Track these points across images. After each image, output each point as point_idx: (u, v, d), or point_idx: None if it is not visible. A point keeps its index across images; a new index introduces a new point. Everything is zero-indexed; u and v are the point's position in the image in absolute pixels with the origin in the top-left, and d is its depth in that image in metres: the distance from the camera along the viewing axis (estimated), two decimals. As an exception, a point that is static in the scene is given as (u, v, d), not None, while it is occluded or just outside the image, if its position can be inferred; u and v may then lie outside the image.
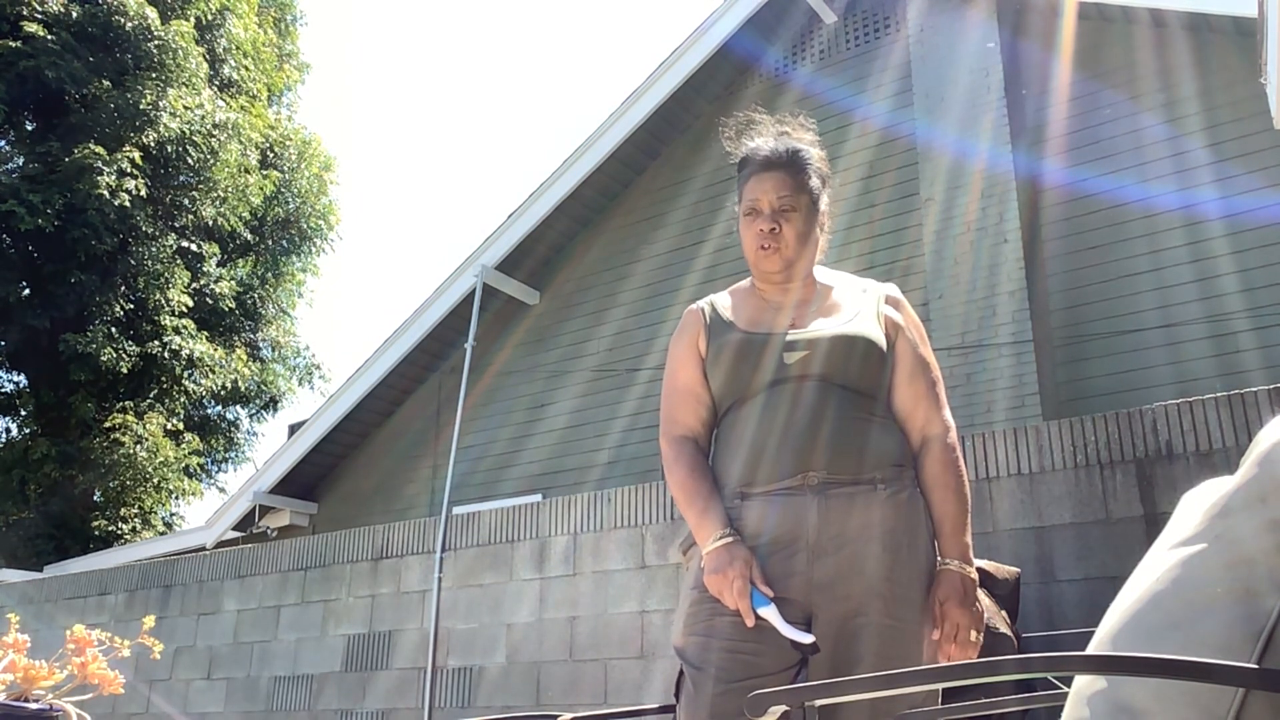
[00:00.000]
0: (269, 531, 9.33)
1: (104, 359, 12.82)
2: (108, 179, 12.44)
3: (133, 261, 13.65)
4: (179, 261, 14.29)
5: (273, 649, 5.70)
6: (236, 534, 9.51)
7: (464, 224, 53.60)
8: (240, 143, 14.45)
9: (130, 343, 13.62)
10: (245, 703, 5.71)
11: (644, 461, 7.33)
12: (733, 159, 2.02)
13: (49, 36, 12.84)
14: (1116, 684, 1.00)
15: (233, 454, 16.49)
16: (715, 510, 1.79)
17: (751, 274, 2.00)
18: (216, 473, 16.54)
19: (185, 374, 14.32)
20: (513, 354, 8.49)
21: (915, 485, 1.83)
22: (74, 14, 13.27)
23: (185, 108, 13.48)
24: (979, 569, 1.96)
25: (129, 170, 12.75)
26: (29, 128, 14.01)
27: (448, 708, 4.85)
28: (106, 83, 13.17)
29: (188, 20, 14.15)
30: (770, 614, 1.67)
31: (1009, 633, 2.97)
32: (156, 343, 13.71)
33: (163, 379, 14.35)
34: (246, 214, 14.93)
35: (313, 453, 9.03)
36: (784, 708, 1.17)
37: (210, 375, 14.43)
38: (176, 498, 15.10)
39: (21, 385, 14.71)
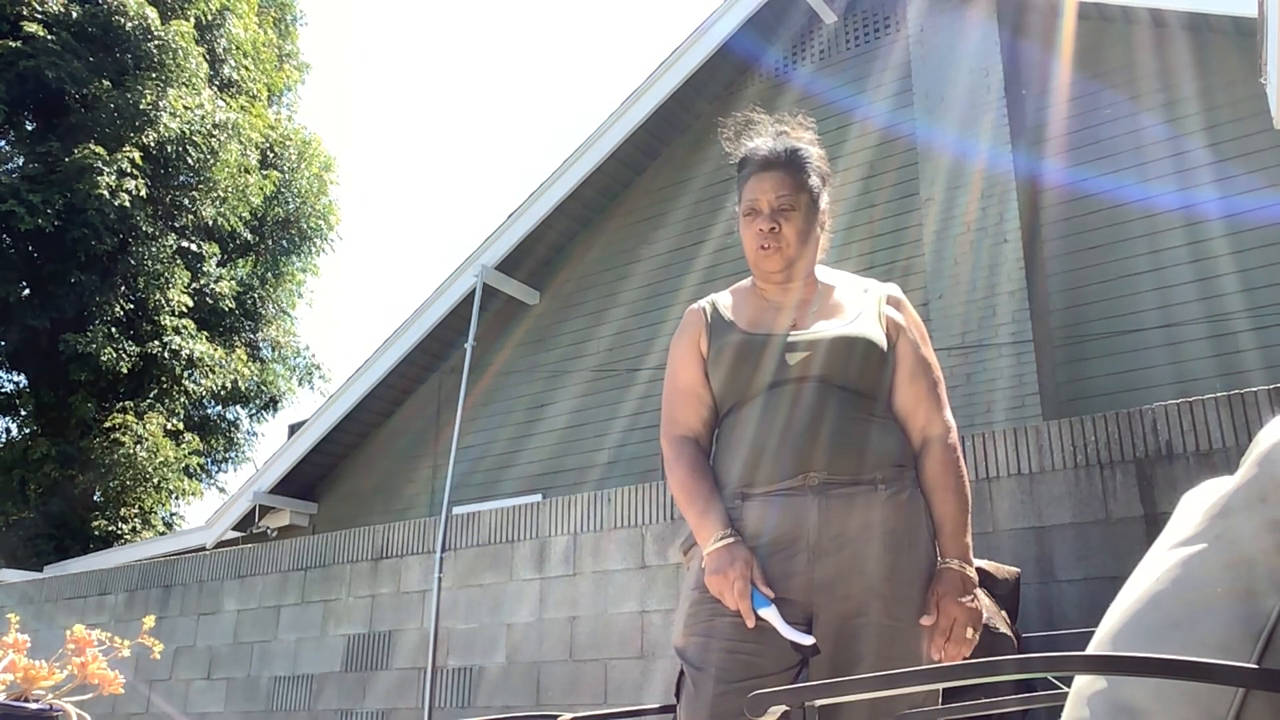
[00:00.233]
0: (269, 531, 9.33)
1: (104, 359, 12.82)
2: (108, 179, 12.44)
3: (133, 261, 13.65)
4: (179, 261, 14.29)
5: (273, 649, 5.70)
6: (236, 534, 9.51)
7: (464, 224, 53.63)
8: (240, 143, 14.46)
9: (130, 343, 13.62)
10: (245, 703, 5.71)
11: (644, 461, 7.33)
12: (732, 159, 2.02)
13: (49, 36, 12.84)
14: (1116, 684, 1.00)
15: (233, 454, 16.50)
16: (716, 511, 1.79)
17: (752, 274, 2.00)
18: (216, 473, 16.56)
19: (185, 374, 14.33)
20: (513, 354, 8.49)
21: (916, 485, 1.83)
22: (74, 14, 13.27)
23: (185, 108, 13.48)
24: (979, 569, 1.96)
25: (129, 170, 12.75)
26: (29, 128, 14.01)
27: (448, 708, 4.85)
28: (106, 83, 13.18)
29: (188, 20, 14.15)
30: (771, 615, 1.67)
31: (1009, 633, 2.97)
32: (156, 343, 13.71)
33: (163, 379, 14.35)
34: (246, 214, 14.93)
35: (313, 453, 9.03)
36: (784, 708, 1.17)
37: (210, 375, 14.43)
38: (176, 498, 15.11)
39: (21, 385, 14.71)
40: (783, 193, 1.89)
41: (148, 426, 13.60)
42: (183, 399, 14.97)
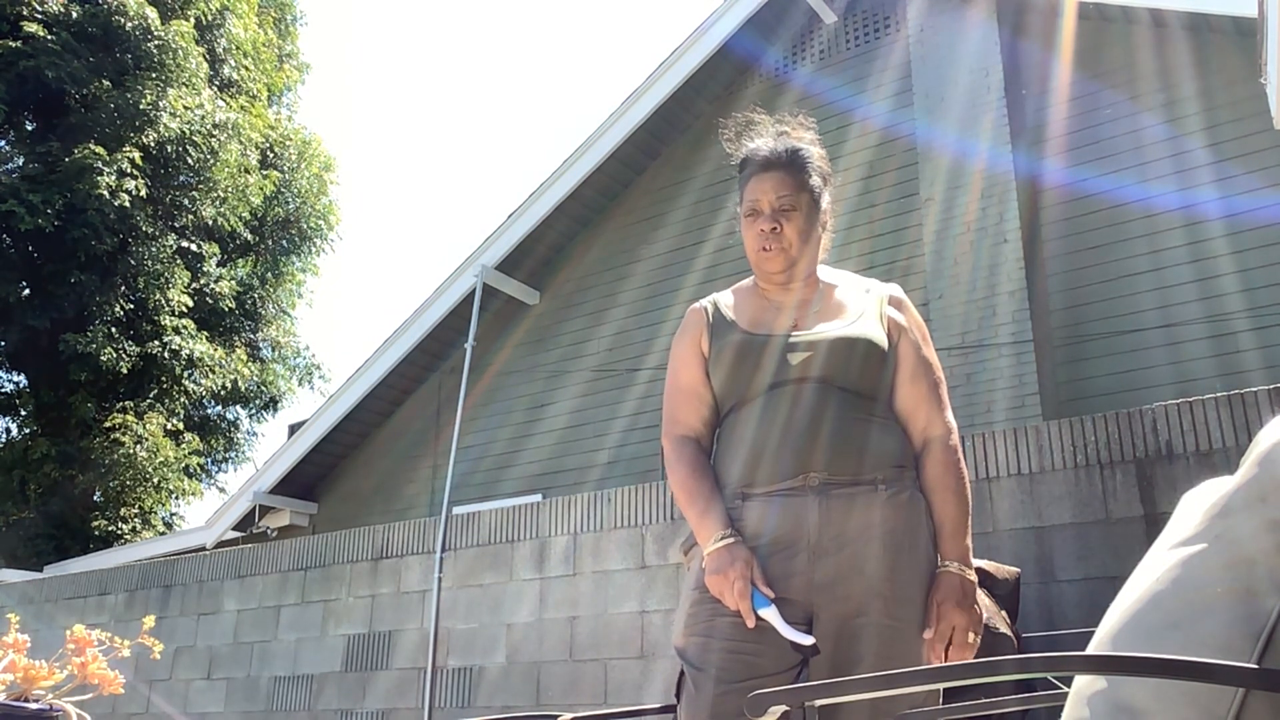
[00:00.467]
0: (269, 531, 9.33)
1: (104, 359, 12.82)
2: (108, 179, 12.44)
3: (133, 261, 13.65)
4: (179, 261, 14.29)
5: (273, 649, 5.70)
6: (236, 534, 9.51)
7: (464, 224, 53.62)
8: (240, 143, 14.45)
9: (130, 343, 13.62)
10: (245, 703, 5.71)
11: (644, 461, 7.33)
12: (733, 160, 2.02)
13: (49, 36, 12.84)
14: (1116, 684, 1.00)
15: (233, 454, 16.50)
16: (716, 511, 1.79)
17: (754, 274, 2.00)
18: (216, 473, 16.56)
19: (185, 374, 14.32)
20: (513, 354, 8.49)
21: (916, 486, 1.83)
22: (74, 14, 13.27)
23: (185, 108, 13.48)
24: (979, 569, 1.96)
25: (129, 170, 12.75)
26: (29, 128, 14.01)
27: (448, 708, 4.85)
28: (106, 83, 13.17)
29: (188, 20, 14.15)
30: (771, 615, 1.67)
31: (1009, 633, 2.97)
32: (156, 343, 13.70)
33: (163, 379, 14.35)
34: (246, 214, 14.93)
35: (313, 453, 9.03)
36: (784, 708, 1.17)
37: (210, 375, 14.43)
38: (176, 498, 15.11)
39: (21, 385, 14.71)
40: (784, 193, 1.88)
41: (148, 426, 13.60)
42: (183, 399, 14.97)
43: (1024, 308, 5.93)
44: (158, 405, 14.45)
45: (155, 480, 13.70)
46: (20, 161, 13.46)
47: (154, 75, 13.33)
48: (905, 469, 1.82)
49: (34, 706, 1.69)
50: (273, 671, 5.65)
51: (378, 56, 53.91)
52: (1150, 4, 5.95)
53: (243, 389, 15.32)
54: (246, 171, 14.61)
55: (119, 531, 14.15)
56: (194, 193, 14.18)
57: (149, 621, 2.20)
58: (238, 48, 15.58)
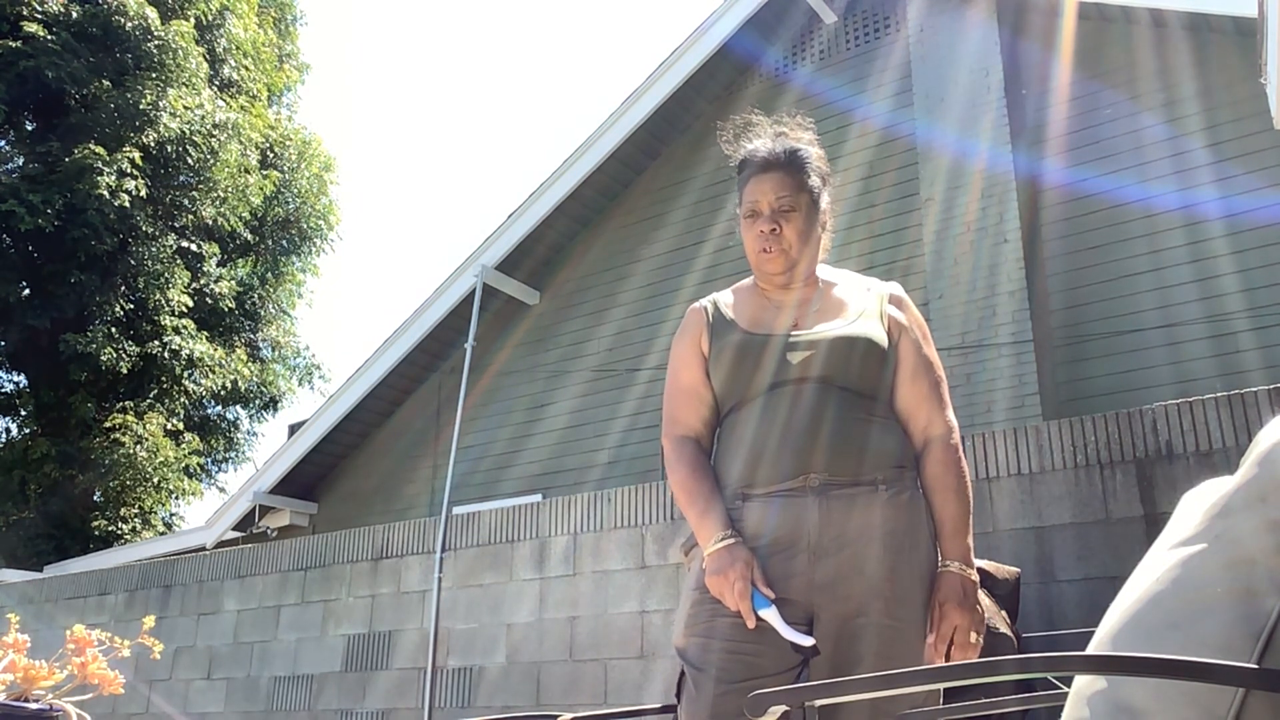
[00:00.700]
0: (269, 531, 9.33)
1: (104, 359, 12.82)
2: (108, 179, 12.44)
3: (133, 261, 13.65)
4: (179, 261, 14.28)
5: (273, 649, 5.70)
6: (236, 534, 9.51)
7: (464, 224, 53.62)
8: (240, 143, 14.45)
9: (130, 343, 13.62)
10: (245, 703, 5.71)
11: (644, 461, 7.33)
12: (732, 161, 2.02)
13: (49, 36, 12.84)
14: (1116, 684, 1.00)
15: (233, 454, 16.50)
16: (716, 511, 1.79)
17: (754, 274, 2.00)
18: (216, 473, 16.55)
19: (185, 374, 14.32)
20: (513, 354, 8.49)
21: (916, 486, 1.83)
22: (74, 14, 13.27)
23: (185, 108, 13.48)
24: (979, 569, 1.96)
25: (129, 170, 12.74)
26: (29, 128, 14.01)
27: (448, 708, 4.85)
28: (106, 83, 13.17)
29: (188, 20, 14.15)
30: (771, 615, 1.67)
31: (1009, 633, 2.97)
32: (156, 343, 13.70)
33: (163, 379, 14.35)
34: (246, 214, 14.93)
35: (313, 453, 9.03)
36: (784, 708, 1.17)
37: (210, 375, 14.43)
38: (176, 498, 15.11)
39: (21, 385, 14.71)
40: (783, 194, 1.88)
41: (148, 426, 13.60)
42: (183, 399, 14.97)
43: (1024, 308, 5.93)
44: (158, 405, 14.45)
45: (155, 480, 13.70)
46: (20, 161, 13.46)
47: (154, 75, 13.33)
48: (905, 469, 1.82)
49: (34, 706, 1.69)
50: (273, 671, 5.65)
51: (378, 56, 53.93)
52: (1150, 4, 5.95)
53: (243, 389, 15.32)
54: (246, 171, 14.60)
55: (119, 531, 14.15)
56: (194, 193, 14.18)
57: (149, 621, 2.20)
58: (238, 48, 15.58)
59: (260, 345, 16.42)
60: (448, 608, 5.04)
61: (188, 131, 13.50)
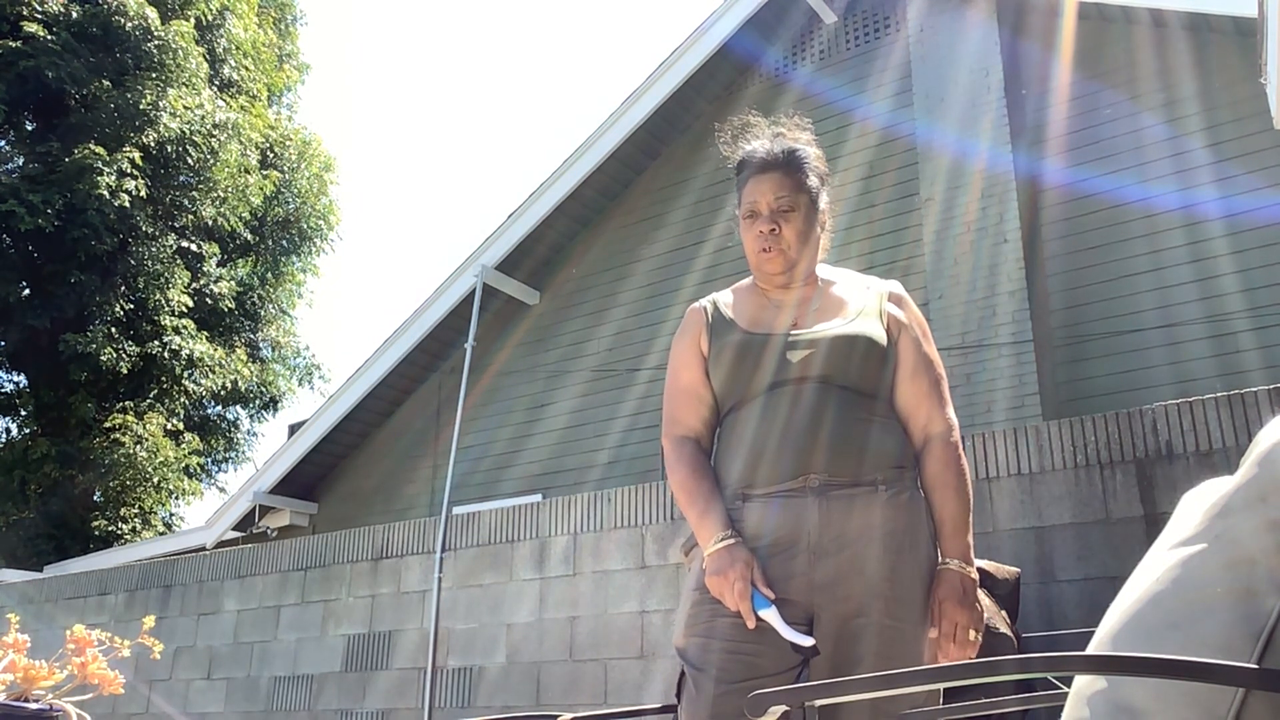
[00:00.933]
0: (269, 531, 9.33)
1: (104, 359, 12.82)
2: (108, 179, 12.44)
3: (133, 261, 13.65)
4: (179, 261, 14.28)
5: (273, 649, 5.70)
6: (236, 534, 9.51)
7: (464, 224, 53.61)
8: (240, 143, 14.45)
9: (130, 343, 13.62)
10: (245, 703, 5.71)
11: (644, 461, 7.33)
12: (731, 162, 2.02)
13: (49, 36, 12.84)
14: (1116, 684, 1.00)
15: (233, 454, 16.49)
16: (716, 511, 1.79)
17: (753, 274, 2.00)
18: (216, 473, 16.55)
19: (185, 374, 14.32)
20: (513, 354, 8.49)
21: (916, 486, 1.83)
22: (74, 14, 13.27)
23: (185, 108, 13.48)
24: (979, 569, 1.96)
25: (129, 170, 12.74)
26: (29, 128, 14.01)
27: (448, 708, 4.85)
28: (106, 83, 13.17)
29: (188, 20, 14.14)
30: (771, 616, 1.67)
31: (1009, 633, 2.97)
32: (156, 343, 13.70)
33: (163, 379, 14.35)
34: (246, 214, 14.92)
35: (313, 453, 9.03)
36: (784, 708, 1.17)
37: (210, 375, 14.42)
38: (176, 498, 15.11)
39: (21, 385, 14.70)
40: (781, 194, 1.88)
41: (148, 426, 13.59)
42: (183, 399, 14.97)
43: (1024, 308, 5.93)
44: (158, 405, 14.45)
45: (155, 480, 13.70)
46: (20, 161, 13.45)
47: (154, 75, 13.33)
48: (905, 469, 1.82)
49: (34, 706, 1.69)
50: (273, 671, 5.65)
51: (378, 56, 53.93)
52: (1150, 4, 5.95)
53: (243, 389, 15.32)
54: (246, 171, 14.60)
55: (119, 531, 14.15)
56: (194, 193, 14.17)
57: (149, 621, 2.20)
58: (238, 48, 15.57)
59: (260, 345, 16.42)
60: (448, 608, 5.04)
61: (188, 131, 13.50)
